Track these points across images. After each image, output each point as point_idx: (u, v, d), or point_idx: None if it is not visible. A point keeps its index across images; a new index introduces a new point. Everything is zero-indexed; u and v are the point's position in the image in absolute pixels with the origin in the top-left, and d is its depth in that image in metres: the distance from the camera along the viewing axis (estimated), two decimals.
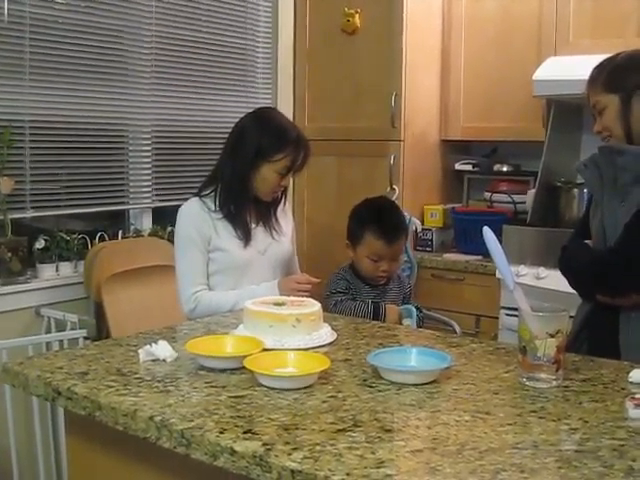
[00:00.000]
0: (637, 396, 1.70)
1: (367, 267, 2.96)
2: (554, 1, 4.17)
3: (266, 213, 3.01)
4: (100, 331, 3.53)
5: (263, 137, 2.86)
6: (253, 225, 2.96)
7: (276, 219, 3.03)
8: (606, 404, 1.73)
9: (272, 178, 2.87)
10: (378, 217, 2.96)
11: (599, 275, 2.29)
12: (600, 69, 2.37)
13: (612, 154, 2.30)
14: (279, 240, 3.00)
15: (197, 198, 2.94)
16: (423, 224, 4.48)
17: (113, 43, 3.84)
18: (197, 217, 2.89)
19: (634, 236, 2.22)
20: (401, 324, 2.88)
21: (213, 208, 2.90)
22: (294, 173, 2.96)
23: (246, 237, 2.90)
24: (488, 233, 2.01)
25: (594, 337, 2.32)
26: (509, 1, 4.37)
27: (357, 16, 4.48)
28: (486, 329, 4.06)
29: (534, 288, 3.68)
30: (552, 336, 1.84)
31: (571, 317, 2.25)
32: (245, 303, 2.27)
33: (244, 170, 2.88)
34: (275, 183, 2.89)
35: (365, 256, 2.94)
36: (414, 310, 2.98)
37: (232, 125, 3.02)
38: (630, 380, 1.88)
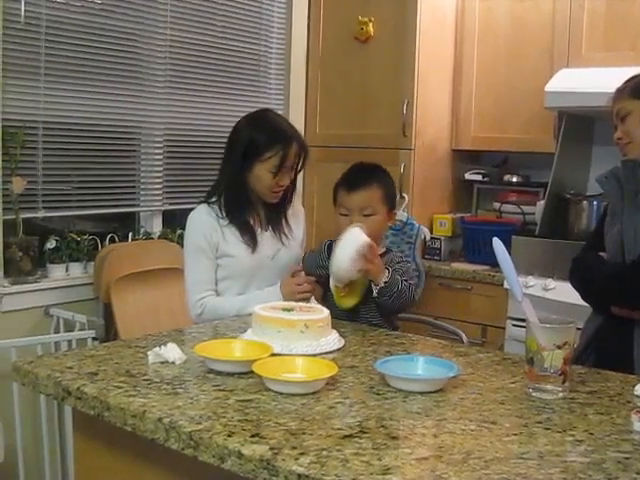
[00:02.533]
0: None
1: (341, 225, 2.73)
2: (567, 13, 4.18)
3: (276, 218, 3.00)
4: (108, 332, 3.55)
5: (252, 136, 2.86)
6: (260, 230, 2.95)
7: (287, 222, 3.03)
8: (612, 417, 1.74)
9: (265, 177, 2.86)
10: (347, 171, 2.85)
11: (620, 288, 2.29)
12: (630, 80, 2.41)
13: (635, 167, 2.31)
14: (288, 245, 3.00)
15: (205, 205, 2.94)
16: (432, 233, 4.47)
17: (128, 46, 3.86)
18: (205, 224, 2.89)
19: None
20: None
21: (220, 214, 2.91)
22: (295, 173, 2.96)
23: (253, 243, 2.90)
24: (498, 244, 2.02)
25: (605, 350, 2.32)
26: (522, 12, 4.38)
27: (370, 24, 4.50)
28: (492, 339, 4.06)
29: (542, 299, 3.69)
30: (559, 347, 1.85)
31: (578, 329, 2.27)
32: (254, 308, 2.29)
33: (239, 171, 2.88)
34: (270, 182, 2.87)
35: (338, 213, 2.80)
36: None
37: None
38: (636, 393, 1.89)
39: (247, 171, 2.87)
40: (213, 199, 2.94)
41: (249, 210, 2.94)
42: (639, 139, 2.34)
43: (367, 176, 2.78)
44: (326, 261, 2.72)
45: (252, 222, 2.94)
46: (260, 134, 2.86)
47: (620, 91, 2.39)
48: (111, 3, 3.77)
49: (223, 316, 2.76)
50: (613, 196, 2.43)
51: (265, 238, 2.95)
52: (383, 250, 2.78)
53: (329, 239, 2.83)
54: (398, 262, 2.76)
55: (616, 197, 2.41)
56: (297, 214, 3.13)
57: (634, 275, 2.25)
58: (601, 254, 2.42)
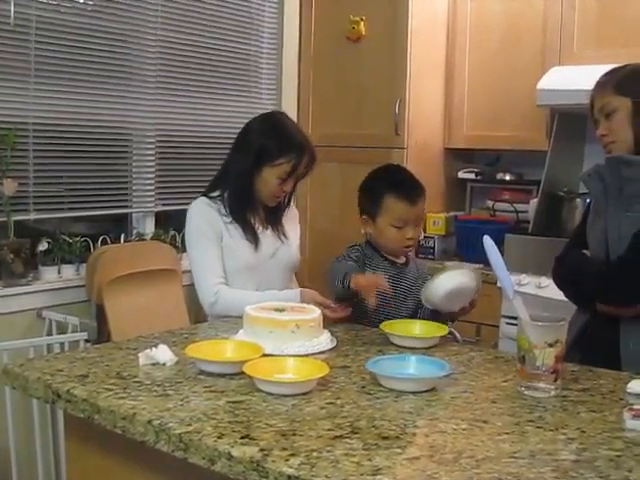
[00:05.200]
0: (635, 407, 1.71)
1: (392, 237, 2.67)
2: (559, 11, 4.19)
3: (274, 218, 3.03)
4: (101, 334, 3.54)
5: (266, 140, 2.87)
6: (261, 229, 2.97)
7: (281, 223, 3.04)
8: (604, 414, 1.74)
9: (273, 182, 2.87)
10: (394, 179, 2.74)
11: (607, 285, 2.28)
12: (611, 74, 2.38)
13: (619, 165, 2.29)
14: (287, 243, 3.01)
15: (205, 198, 2.95)
16: (425, 231, 4.48)
17: (118, 47, 3.85)
18: (208, 213, 2.90)
19: None
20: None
21: (222, 211, 2.91)
22: (297, 179, 2.96)
23: (255, 240, 2.91)
24: (488, 242, 2.01)
25: (592, 347, 2.32)
26: (514, 11, 4.38)
27: (362, 23, 4.49)
28: (486, 337, 4.06)
29: (535, 297, 3.68)
30: (551, 345, 1.85)
31: None
32: (246, 308, 2.28)
33: (247, 171, 2.88)
34: (276, 187, 2.89)
35: (389, 224, 2.66)
36: None
37: (236, 130, 3.03)
38: (628, 391, 1.89)
39: (255, 172, 2.88)
40: (215, 194, 2.95)
41: (251, 210, 2.95)
42: (624, 138, 2.32)
43: (418, 184, 2.75)
44: (346, 293, 2.55)
45: (253, 221, 2.95)
46: (274, 140, 2.87)
47: (603, 84, 2.36)
48: (101, 4, 3.76)
49: (237, 309, 2.60)
50: (597, 194, 2.42)
51: (265, 237, 2.96)
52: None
53: (344, 258, 2.67)
54: (427, 267, 2.88)
55: (600, 195, 2.40)
56: (292, 215, 3.13)
57: (620, 273, 2.25)
58: (584, 252, 2.41)
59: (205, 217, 2.90)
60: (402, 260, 2.76)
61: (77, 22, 3.65)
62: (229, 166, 2.98)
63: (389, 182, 2.71)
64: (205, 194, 2.97)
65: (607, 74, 2.38)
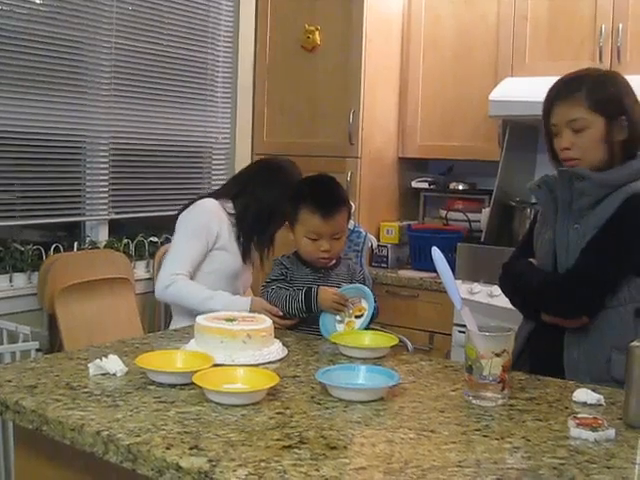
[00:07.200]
0: (579, 415, 1.74)
1: (306, 247, 2.70)
2: (511, 24, 4.25)
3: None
4: (53, 343, 3.52)
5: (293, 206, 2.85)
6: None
7: None
8: (549, 423, 1.76)
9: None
10: (313, 191, 2.72)
11: (553, 297, 2.30)
12: (577, 82, 2.31)
13: (571, 178, 2.28)
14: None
15: (214, 199, 3.08)
16: (379, 241, 4.50)
17: (72, 54, 3.83)
18: (214, 215, 3.03)
19: (590, 261, 2.25)
20: (339, 311, 2.62)
21: (232, 212, 3.07)
22: None
23: (244, 256, 3.09)
24: (437, 254, 2.03)
25: (537, 356, 2.35)
26: (467, 22, 4.43)
27: (317, 33, 4.51)
28: (439, 346, 4.10)
29: (487, 306, 3.73)
30: (498, 355, 1.87)
31: None
32: (197, 318, 2.28)
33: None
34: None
35: (303, 235, 2.69)
36: (368, 290, 2.68)
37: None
38: (574, 399, 1.92)
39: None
40: (228, 200, 3.09)
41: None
42: (592, 158, 2.28)
43: (337, 199, 2.73)
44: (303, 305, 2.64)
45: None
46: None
47: (572, 96, 2.29)
48: (55, 10, 3.74)
49: (187, 300, 2.90)
50: (545, 205, 2.44)
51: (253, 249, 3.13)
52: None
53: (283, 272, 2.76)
54: (360, 271, 2.86)
55: (549, 206, 2.41)
56: None
57: (566, 286, 2.27)
58: (531, 260, 2.44)
59: (209, 216, 3.03)
60: (326, 263, 2.75)
61: (30, 28, 3.63)
62: (254, 190, 3.10)
63: (308, 194, 2.71)
64: (214, 196, 3.13)
65: (571, 81, 2.32)
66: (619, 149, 2.29)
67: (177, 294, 2.91)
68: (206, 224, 3.01)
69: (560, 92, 2.33)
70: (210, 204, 3.07)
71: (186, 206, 3.10)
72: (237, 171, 3.77)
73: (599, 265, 2.24)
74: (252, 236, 3.08)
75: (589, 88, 2.29)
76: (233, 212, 3.07)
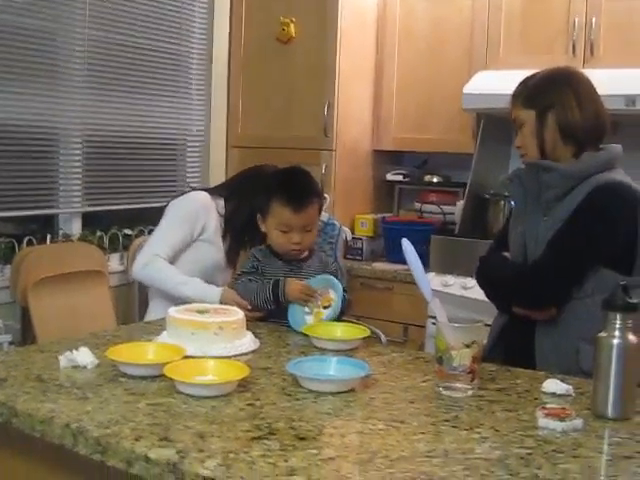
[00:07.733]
0: (547, 406, 1.76)
1: (277, 240, 2.70)
2: (485, 16, 4.26)
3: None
4: (26, 336, 3.50)
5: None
6: None
7: None
8: (518, 413, 1.78)
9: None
10: (284, 184, 2.73)
11: (520, 289, 2.34)
12: (522, 85, 2.41)
13: (538, 170, 2.33)
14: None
15: (209, 196, 3.10)
16: (354, 233, 4.51)
17: (45, 45, 3.79)
18: (203, 207, 3.07)
19: (556, 253, 2.27)
20: (308, 302, 2.62)
21: (222, 210, 3.10)
22: None
23: (229, 257, 3.13)
24: (407, 245, 2.05)
25: (510, 348, 2.37)
26: (442, 14, 4.44)
27: (292, 25, 4.50)
28: (414, 337, 4.11)
29: (461, 298, 3.74)
30: (467, 346, 1.89)
31: (488, 325, 2.32)
32: (169, 310, 2.28)
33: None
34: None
35: (274, 228, 2.69)
36: (336, 281, 2.67)
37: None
38: (543, 390, 1.94)
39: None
40: (221, 198, 3.12)
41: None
42: (532, 152, 2.37)
43: (309, 193, 2.73)
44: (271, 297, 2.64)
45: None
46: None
47: (515, 96, 2.40)
48: (28, 1, 3.70)
49: (161, 281, 2.95)
50: (517, 198, 2.47)
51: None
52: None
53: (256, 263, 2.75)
54: (332, 263, 2.87)
55: (520, 199, 2.45)
56: None
57: (533, 277, 2.30)
58: (506, 254, 2.46)
59: (198, 209, 3.07)
60: (298, 256, 2.75)
61: (2, 19, 3.59)
62: (246, 196, 3.07)
63: (279, 186, 2.73)
64: (210, 192, 3.15)
65: (520, 84, 2.42)
66: (561, 144, 2.33)
67: (154, 275, 2.95)
68: (194, 214, 3.04)
69: (513, 93, 2.43)
70: (202, 196, 3.10)
71: (178, 195, 3.16)
72: (211, 163, 3.78)
73: (563, 257, 2.27)
74: (243, 240, 3.10)
75: (530, 87, 2.38)
76: (222, 211, 3.11)
